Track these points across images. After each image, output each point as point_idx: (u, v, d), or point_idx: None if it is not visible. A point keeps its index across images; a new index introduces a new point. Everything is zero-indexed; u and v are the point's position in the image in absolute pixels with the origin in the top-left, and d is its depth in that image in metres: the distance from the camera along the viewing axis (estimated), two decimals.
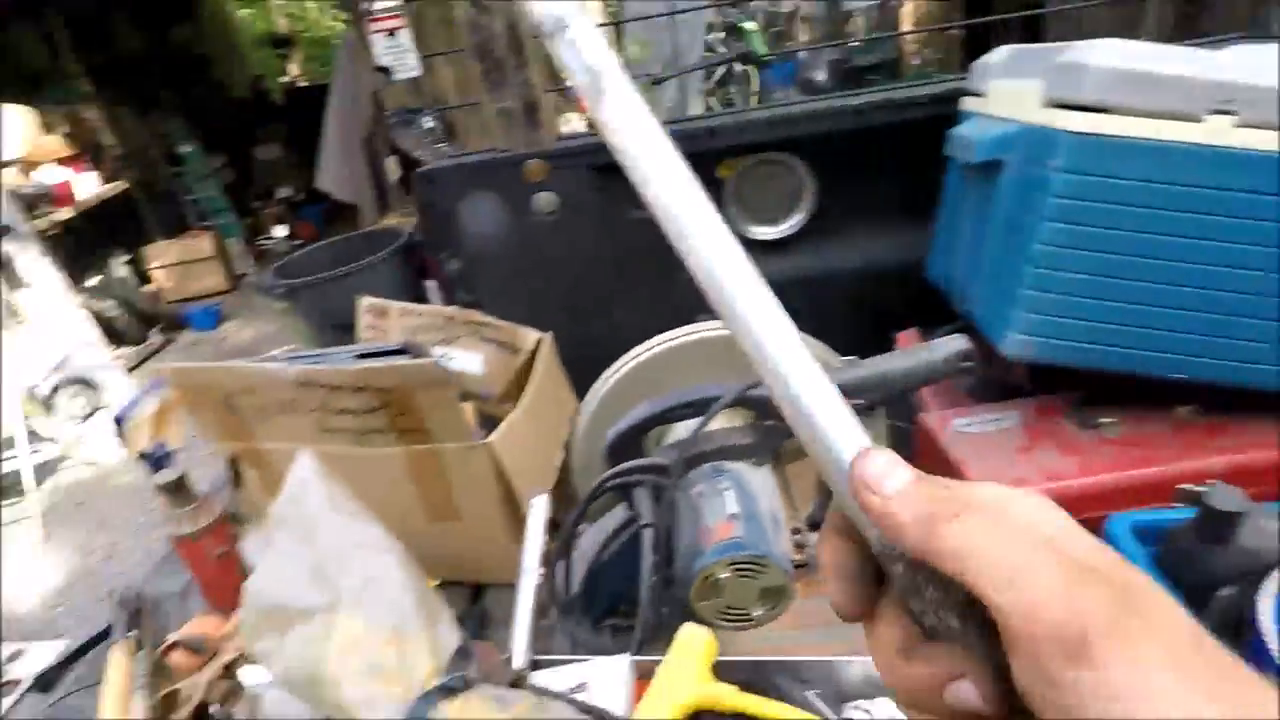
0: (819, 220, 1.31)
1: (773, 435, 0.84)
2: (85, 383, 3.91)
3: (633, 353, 0.93)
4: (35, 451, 3.32)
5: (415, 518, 1.09)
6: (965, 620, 0.23)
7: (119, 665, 1.04)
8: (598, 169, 1.21)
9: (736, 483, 0.81)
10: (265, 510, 1.13)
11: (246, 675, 0.93)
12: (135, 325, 4.90)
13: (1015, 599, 0.21)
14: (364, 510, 0.79)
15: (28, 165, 4.54)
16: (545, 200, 1.23)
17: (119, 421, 1.29)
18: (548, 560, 0.82)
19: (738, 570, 0.73)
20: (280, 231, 6.62)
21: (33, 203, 4.37)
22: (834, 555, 0.27)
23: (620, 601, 0.91)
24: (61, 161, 4.65)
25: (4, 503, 3.38)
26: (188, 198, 6.16)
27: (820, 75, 5.55)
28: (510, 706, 0.65)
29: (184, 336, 5.11)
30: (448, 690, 0.63)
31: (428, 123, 4.34)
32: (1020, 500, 0.24)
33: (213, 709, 0.97)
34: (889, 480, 0.24)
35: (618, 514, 0.90)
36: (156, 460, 1.39)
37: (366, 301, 1.43)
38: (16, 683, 1.18)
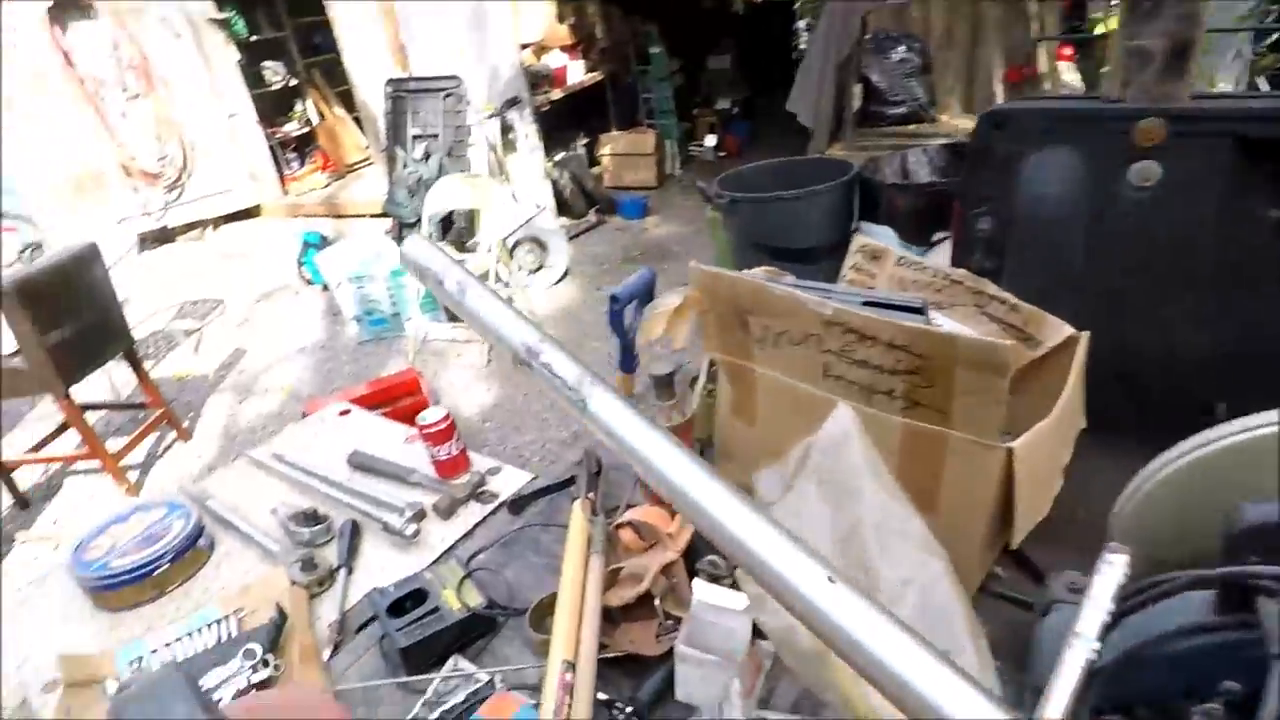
0: None
1: None
2: (538, 242, 4.60)
3: (1271, 415, 0.68)
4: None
5: None
6: None
7: (580, 523, 1.15)
8: (1245, 143, 0.92)
9: None
10: (717, 426, 1.12)
11: (699, 589, 0.95)
12: (580, 201, 5.61)
13: None
14: (903, 491, 0.69)
15: (540, 49, 5.31)
16: (1145, 171, 0.97)
17: (620, 301, 1.38)
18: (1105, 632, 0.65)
19: None
20: (710, 141, 6.97)
21: (537, 82, 5.13)
22: None
23: (1151, 706, 0.71)
24: (564, 49, 5.35)
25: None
26: (643, 95, 6.76)
27: None
28: None
29: (612, 221, 5.72)
30: None
31: (900, 53, 4.08)
32: None
33: (655, 601, 1.02)
34: None
35: (1194, 602, 0.68)
36: (624, 346, 1.49)
37: (860, 241, 1.33)
38: (495, 496, 1.38)
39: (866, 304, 1.00)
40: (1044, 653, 0.76)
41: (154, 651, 1.09)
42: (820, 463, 0.71)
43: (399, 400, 3.00)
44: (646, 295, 1.50)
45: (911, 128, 3.97)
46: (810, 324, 0.92)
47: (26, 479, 3.33)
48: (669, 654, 0.98)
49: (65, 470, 3.45)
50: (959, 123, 4.06)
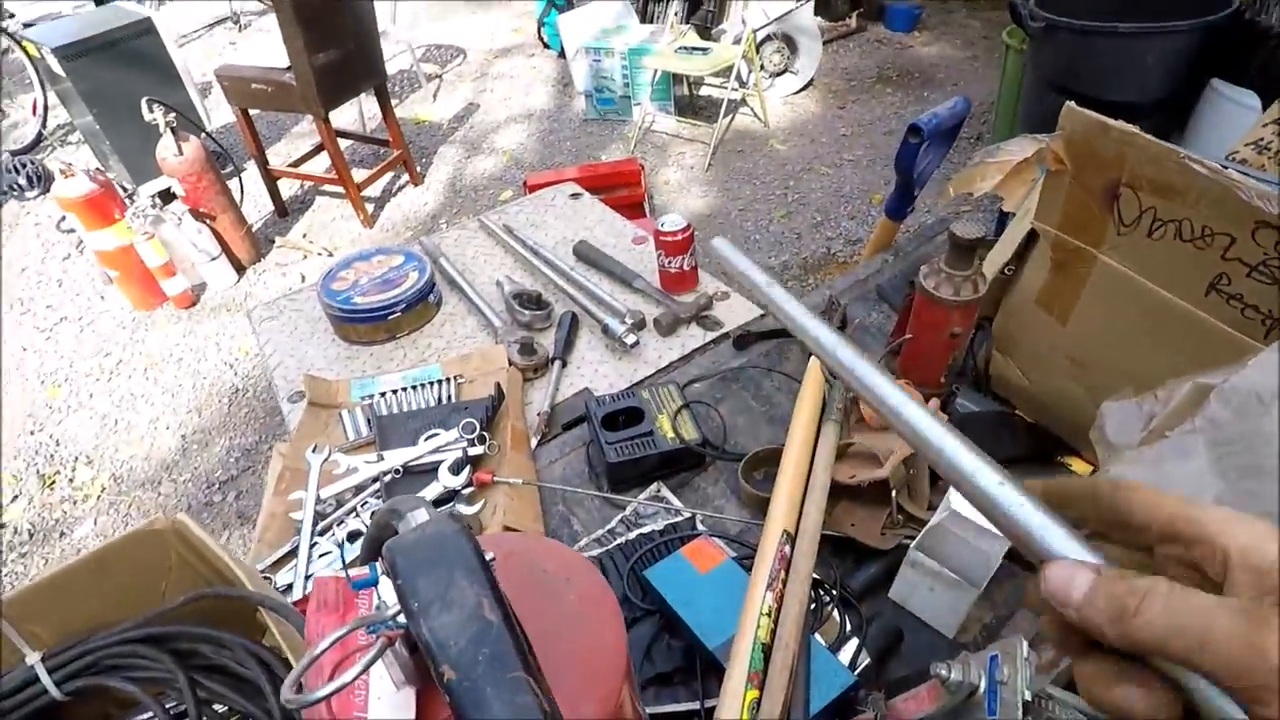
0: None
1: None
2: (789, 41, 4.11)
3: None
4: (734, 90, 3.69)
5: None
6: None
7: (816, 381, 1.02)
8: None
9: None
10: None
11: (956, 497, 0.81)
12: (843, 1, 4.90)
13: (1211, 661, 0.22)
14: None
15: None
16: None
17: (923, 134, 1.14)
18: None
19: None
20: None
21: None
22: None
23: None
24: None
25: (695, 122, 3.93)
26: None
27: None
28: None
29: (874, 29, 4.99)
30: None
31: None
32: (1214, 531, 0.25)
33: (892, 492, 0.90)
34: (1073, 590, 0.25)
35: None
36: (904, 185, 1.25)
37: None
38: (719, 324, 1.28)
39: None
40: None
41: (383, 394, 1.14)
42: (1223, 419, 0.51)
43: (616, 189, 2.91)
44: (951, 133, 1.23)
45: None
46: (1228, 219, 0.67)
47: (286, 190, 3.70)
48: (892, 550, 0.88)
49: (316, 189, 3.78)
50: None
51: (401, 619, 0.29)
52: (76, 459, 2.58)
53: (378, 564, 0.34)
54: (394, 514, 0.35)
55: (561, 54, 4.56)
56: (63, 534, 2.37)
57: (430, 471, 0.97)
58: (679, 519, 0.95)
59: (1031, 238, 0.92)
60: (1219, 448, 0.53)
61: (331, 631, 0.33)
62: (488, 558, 0.31)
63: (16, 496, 2.49)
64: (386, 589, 0.32)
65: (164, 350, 2.94)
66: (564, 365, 1.22)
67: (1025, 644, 0.54)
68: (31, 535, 2.37)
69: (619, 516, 0.96)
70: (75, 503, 2.45)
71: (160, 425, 2.65)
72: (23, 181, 4.06)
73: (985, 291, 0.94)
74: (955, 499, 0.81)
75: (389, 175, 3.74)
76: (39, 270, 3.53)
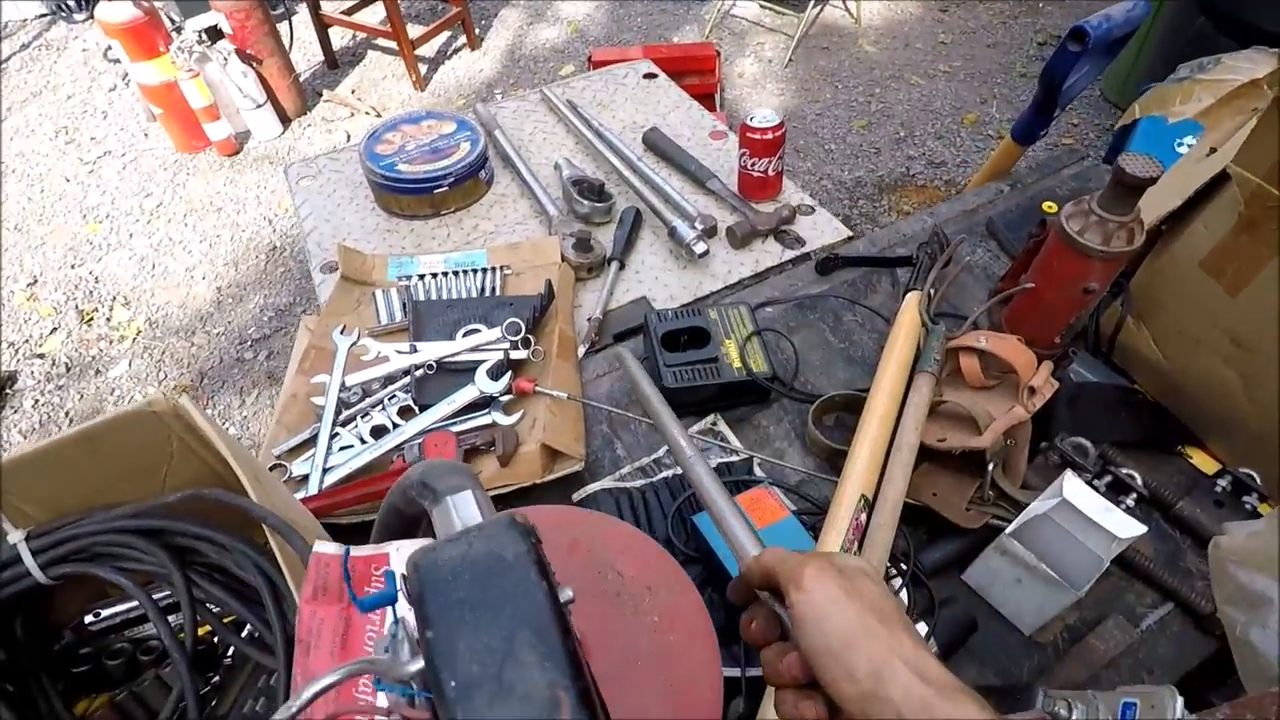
0: None
1: None
2: None
3: None
4: None
5: None
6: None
7: (911, 323, 0.89)
8: None
9: None
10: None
11: (1071, 484, 0.69)
12: None
13: (781, 571, 0.40)
14: None
15: None
16: None
17: (1090, 39, 0.94)
18: None
19: None
20: None
21: None
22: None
23: None
24: None
25: (781, 10, 3.58)
26: None
27: None
28: None
29: None
30: None
31: None
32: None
33: (989, 466, 0.78)
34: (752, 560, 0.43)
35: None
36: (1044, 102, 1.07)
37: None
38: (800, 241, 1.13)
39: None
40: None
41: (421, 277, 1.04)
42: None
43: (687, 76, 2.66)
44: (1118, 45, 1.02)
45: None
46: None
47: (337, 40, 3.49)
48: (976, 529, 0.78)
49: (369, 42, 3.57)
50: None
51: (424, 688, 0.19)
52: (114, 298, 2.56)
53: (394, 567, 0.24)
54: (426, 491, 0.24)
55: None
56: (98, 372, 2.37)
57: (466, 371, 0.87)
58: (734, 459, 0.85)
59: (1213, 185, 0.75)
60: None
61: (328, 635, 0.23)
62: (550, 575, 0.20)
63: (55, 329, 2.49)
64: (406, 610, 0.22)
65: (204, 197, 2.85)
66: (621, 268, 1.10)
67: (1179, 700, 0.43)
68: (69, 369, 2.38)
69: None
70: (111, 342, 2.44)
71: (197, 275, 2.59)
72: (71, 2, 3.89)
73: (1140, 244, 0.78)
74: (1069, 487, 0.69)
75: (445, 35, 3.50)
76: (85, 100, 3.42)
